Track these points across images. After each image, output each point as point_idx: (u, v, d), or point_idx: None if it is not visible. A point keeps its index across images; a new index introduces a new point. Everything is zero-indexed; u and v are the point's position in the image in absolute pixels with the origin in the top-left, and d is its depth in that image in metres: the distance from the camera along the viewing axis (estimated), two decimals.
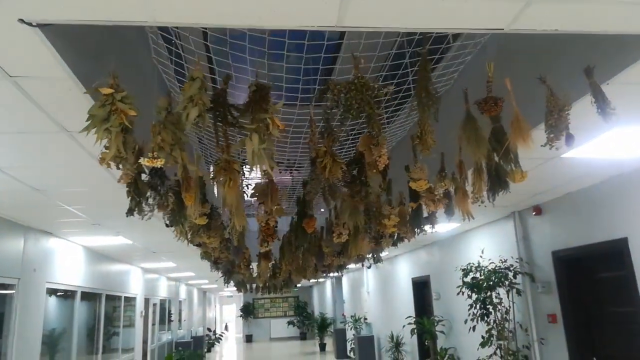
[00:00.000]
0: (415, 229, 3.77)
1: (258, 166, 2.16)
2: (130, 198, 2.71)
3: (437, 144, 3.18)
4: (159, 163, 1.98)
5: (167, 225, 3.43)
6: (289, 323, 24.30)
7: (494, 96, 2.25)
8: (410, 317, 9.76)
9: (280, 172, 6.19)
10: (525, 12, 1.88)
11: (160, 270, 11.43)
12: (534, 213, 5.75)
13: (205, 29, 3.35)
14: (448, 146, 3.26)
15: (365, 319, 13.63)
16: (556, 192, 5.19)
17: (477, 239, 7.26)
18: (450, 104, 3.94)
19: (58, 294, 6.69)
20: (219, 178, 2.16)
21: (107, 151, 1.97)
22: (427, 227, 3.82)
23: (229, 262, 4.82)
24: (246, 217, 4.16)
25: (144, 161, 1.97)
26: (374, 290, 13.20)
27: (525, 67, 2.96)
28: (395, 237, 3.97)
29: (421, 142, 2.26)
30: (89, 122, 1.82)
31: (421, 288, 9.76)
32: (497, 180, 2.82)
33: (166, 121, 2.24)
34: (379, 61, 3.42)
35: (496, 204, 5.61)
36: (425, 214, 3.70)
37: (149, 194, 2.73)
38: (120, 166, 2.02)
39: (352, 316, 14.64)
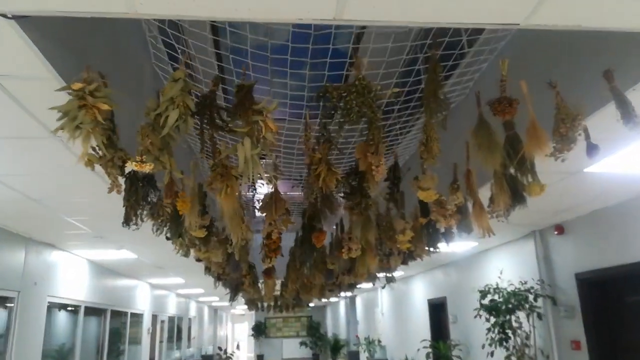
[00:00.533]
0: (429, 247, 3.55)
1: (252, 174, 2.00)
2: (127, 207, 2.57)
3: (450, 157, 2.99)
4: (147, 168, 1.83)
5: (167, 239, 3.29)
6: (302, 344, 23.82)
7: (508, 97, 2.06)
8: (425, 340, 9.39)
9: (293, 187, 6.04)
10: (544, 4, 1.69)
11: (169, 286, 11.28)
12: (556, 232, 5.47)
13: (216, 37, 3.26)
14: (462, 159, 3.06)
15: (379, 341, 13.22)
16: (580, 210, 4.91)
17: (496, 259, 6.96)
18: (464, 115, 3.75)
19: (69, 308, 6.59)
20: (216, 185, 1.99)
21: (92, 152, 1.84)
22: (441, 245, 3.60)
23: (231, 278, 4.64)
24: (252, 231, 3.99)
25: (131, 165, 1.82)
26: (388, 311, 12.83)
27: (543, 75, 2.76)
28: (406, 254, 3.74)
29: (426, 149, 2.06)
30: (62, 120, 1.68)
31: (437, 310, 9.41)
32: (513, 194, 2.60)
33: (155, 123, 2.11)
34: (391, 67, 3.26)
35: (516, 222, 5.34)
36: (441, 230, 3.48)
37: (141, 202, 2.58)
38: (106, 169, 1.87)
39: (365, 338, 14.23)
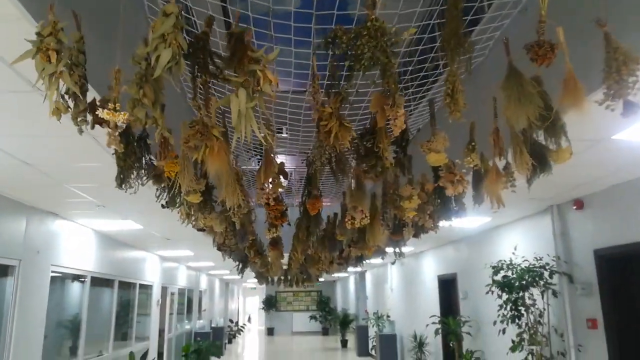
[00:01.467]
0: (438, 218, 3.34)
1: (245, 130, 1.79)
2: (122, 168, 2.39)
3: (467, 123, 2.75)
4: (121, 117, 1.64)
5: (162, 207, 3.12)
6: (311, 317, 24.07)
7: (549, 41, 1.79)
8: (434, 316, 9.29)
9: (303, 162, 5.86)
10: None
11: (179, 258, 11.28)
12: (574, 207, 5.22)
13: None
14: (480, 124, 2.83)
15: (388, 316, 13.20)
16: (600, 184, 4.65)
17: (510, 235, 6.74)
18: (483, 78, 3.48)
19: (81, 280, 6.56)
20: (192, 143, 1.79)
21: (60, 100, 1.65)
22: (452, 217, 3.39)
23: (232, 249, 4.50)
24: (250, 199, 3.81)
25: (102, 113, 1.63)
26: (397, 287, 12.75)
27: (572, 27, 2.48)
28: (416, 226, 3.55)
29: (453, 101, 1.83)
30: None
31: (447, 286, 9.29)
32: (538, 160, 2.36)
33: (148, 73, 1.90)
34: (405, 21, 3.00)
35: (533, 196, 5.09)
36: (452, 200, 3.26)
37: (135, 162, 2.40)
38: (75, 120, 1.68)
39: (374, 313, 14.23)
